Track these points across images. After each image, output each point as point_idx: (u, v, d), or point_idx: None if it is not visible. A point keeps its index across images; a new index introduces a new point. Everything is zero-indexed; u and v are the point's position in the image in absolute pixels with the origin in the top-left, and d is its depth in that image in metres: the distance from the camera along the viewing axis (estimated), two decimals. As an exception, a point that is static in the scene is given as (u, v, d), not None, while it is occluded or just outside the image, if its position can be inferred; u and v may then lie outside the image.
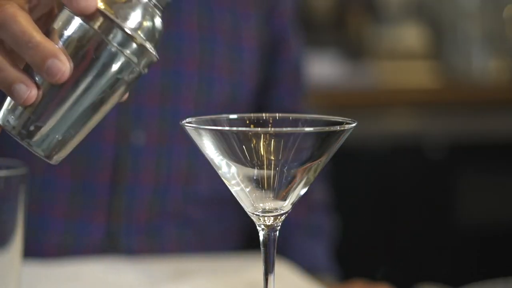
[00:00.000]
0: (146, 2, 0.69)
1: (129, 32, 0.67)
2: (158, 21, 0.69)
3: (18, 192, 0.87)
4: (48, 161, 0.71)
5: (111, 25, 0.67)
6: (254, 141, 0.70)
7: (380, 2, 2.79)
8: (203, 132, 0.70)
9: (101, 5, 0.67)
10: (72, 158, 1.22)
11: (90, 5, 0.66)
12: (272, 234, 0.72)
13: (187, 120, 0.71)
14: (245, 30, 1.33)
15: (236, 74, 1.31)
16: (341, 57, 2.62)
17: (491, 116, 2.52)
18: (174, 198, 1.27)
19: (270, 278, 0.72)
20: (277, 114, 0.75)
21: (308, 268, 1.29)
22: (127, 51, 0.67)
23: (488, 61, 2.67)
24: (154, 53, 0.69)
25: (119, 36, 0.67)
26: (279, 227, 0.73)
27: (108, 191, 1.24)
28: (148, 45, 0.68)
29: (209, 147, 0.70)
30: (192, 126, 0.70)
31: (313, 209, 1.39)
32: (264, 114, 0.74)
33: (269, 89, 1.37)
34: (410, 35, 2.76)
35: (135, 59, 0.68)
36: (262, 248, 0.72)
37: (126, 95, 0.70)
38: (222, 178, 0.72)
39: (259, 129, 0.72)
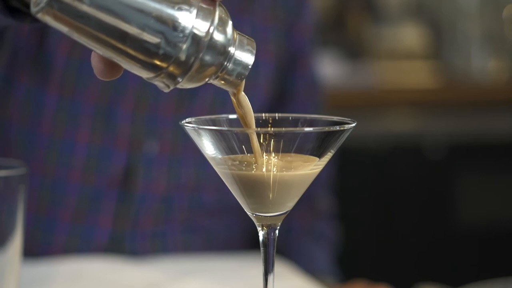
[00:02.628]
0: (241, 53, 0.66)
1: (209, 33, 0.63)
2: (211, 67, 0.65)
3: (18, 192, 0.87)
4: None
5: (213, 12, 0.64)
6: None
7: (380, 2, 2.79)
8: (202, 132, 0.69)
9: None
10: (83, 164, 1.23)
11: None
12: (272, 234, 0.72)
13: (187, 120, 0.71)
14: (263, 43, 1.32)
15: (250, 86, 1.30)
16: (341, 57, 2.61)
17: (490, 116, 2.52)
18: (180, 206, 1.28)
19: (270, 278, 0.72)
20: (276, 114, 0.75)
21: (310, 271, 1.29)
22: (189, 39, 0.63)
23: (488, 61, 2.67)
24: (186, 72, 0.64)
25: (205, 22, 0.63)
26: (278, 227, 0.73)
27: (117, 197, 1.24)
28: (196, 60, 0.64)
29: (208, 147, 0.70)
30: (192, 126, 0.70)
31: (317, 217, 1.39)
32: (264, 114, 0.74)
33: (285, 104, 1.36)
34: (410, 35, 2.76)
35: (184, 45, 0.63)
36: (261, 248, 0.72)
37: (123, 66, 0.65)
38: (222, 178, 0.72)
39: (259, 129, 0.72)
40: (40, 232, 1.24)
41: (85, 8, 0.61)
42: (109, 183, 1.24)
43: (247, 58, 0.67)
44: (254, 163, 0.70)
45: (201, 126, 0.70)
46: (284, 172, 0.70)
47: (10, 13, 0.81)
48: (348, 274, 1.44)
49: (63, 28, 0.62)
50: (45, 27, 1.20)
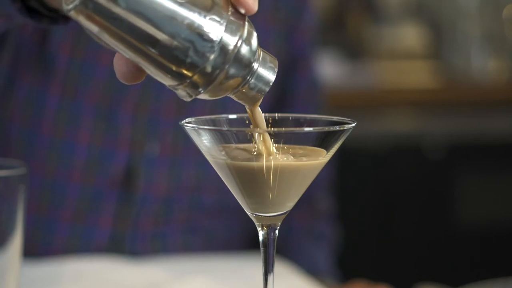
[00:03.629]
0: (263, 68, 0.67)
1: (236, 45, 0.64)
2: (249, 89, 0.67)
3: (18, 192, 0.87)
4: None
5: (242, 26, 0.65)
6: (254, 141, 0.70)
7: (380, 2, 2.79)
8: (202, 132, 0.70)
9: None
10: (84, 164, 1.23)
11: (254, 7, 0.65)
12: (272, 234, 0.72)
13: (187, 120, 0.71)
14: (264, 45, 1.32)
15: None
16: (341, 57, 2.61)
17: (490, 116, 2.52)
18: (181, 207, 1.28)
19: (270, 278, 0.72)
20: (276, 114, 0.75)
21: (310, 271, 1.29)
22: (220, 47, 0.63)
23: (487, 61, 2.67)
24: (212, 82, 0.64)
25: (233, 34, 0.64)
26: (278, 227, 0.73)
27: (117, 198, 1.24)
28: (220, 73, 0.64)
29: (208, 148, 0.70)
30: (192, 126, 0.70)
31: (317, 217, 1.39)
32: (263, 114, 0.74)
33: (286, 105, 1.36)
34: (410, 35, 2.76)
35: (211, 55, 0.63)
36: (261, 248, 0.72)
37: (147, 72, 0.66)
38: (222, 178, 0.72)
39: (258, 129, 0.72)
40: (40, 233, 1.24)
41: (119, 10, 0.61)
42: (110, 184, 1.24)
43: (269, 75, 0.68)
44: (254, 151, 0.70)
45: (201, 126, 0.70)
46: (287, 162, 0.70)
47: (28, 13, 0.81)
48: (348, 274, 1.44)
49: (94, 28, 0.63)
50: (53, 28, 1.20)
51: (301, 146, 0.70)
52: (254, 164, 0.69)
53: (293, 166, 0.70)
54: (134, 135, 1.24)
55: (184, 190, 1.27)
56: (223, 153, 0.70)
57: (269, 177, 0.70)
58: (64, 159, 1.23)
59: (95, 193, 1.24)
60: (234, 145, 0.70)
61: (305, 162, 0.70)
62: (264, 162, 0.69)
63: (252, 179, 0.70)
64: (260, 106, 1.29)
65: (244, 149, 0.70)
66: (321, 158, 0.71)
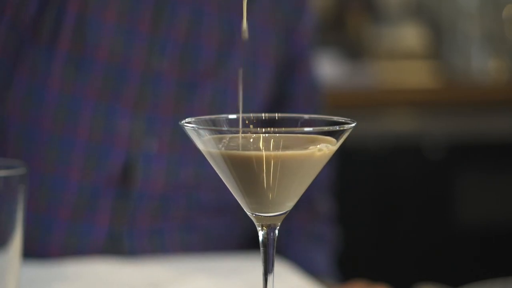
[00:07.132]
0: None
1: None
2: None
3: (18, 192, 0.87)
4: None
5: None
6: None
7: (380, 2, 2.79)
8: (202, 132, 0.70)
9: None
10: (82, 161, 1.23)
11: None
12: (272, 234, 0.72)
13: (187, 120, 0.71)
14: (263, 47, 1.32)
15: (249, 88, 1.30)
16: (341, 57, 2.61)
17: (490, 116, 2.52)
18: (178, 204, 1.28)
19: (270, 277, 0.72)
20: (276, 114, 0.75)
21: (309, 272, 1.29)
22: None
23: (487, 61, 2.67)
24: None
25: None
26: (278, 227, 0.73)
27: (115, 195, 1.24)
28: None
29: (207, 147, 0.70)
30: (191, 126, 0.70)
31: (317, 218, 1.39)
32: (263, 114, 0.74)
33: (284, 107, 1.36)
34: (409, 35, 2.76)
35: None
36: (261, 248, 0.72)
37: None
38: (222, 179, 0.72)
39: (258, 129, 0.72)
40: (39, 231, 1.24)
41: None
42: (107, 181, 1.24)
43: None
44: (251, 141, 0.70)
45: (200, 127, 0.70)
46: (283, 152, 0.69)
47: None
48: (347, 274, 1.44)
49: None
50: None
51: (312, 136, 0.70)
52: (253, 154, 0.69)
53: (291, 155, 0.70)
54: (132, 132, 1.24)
55: (182, 188, 1.27)
56: (220, 146, 0.70)
57: (269, 172, 0.70)
58: (62, 156, 1.23)
59: (92, 190, 1.24)
60: (229, 136, 0.70)
61: (296, 152, 0.70)
62: (263, 153, 0.69)
63: (251, 174, 0.70)
64: (258, 107, 1.29)
65: (242, 140, 0.70)
66: (320, 146, 0.70)
